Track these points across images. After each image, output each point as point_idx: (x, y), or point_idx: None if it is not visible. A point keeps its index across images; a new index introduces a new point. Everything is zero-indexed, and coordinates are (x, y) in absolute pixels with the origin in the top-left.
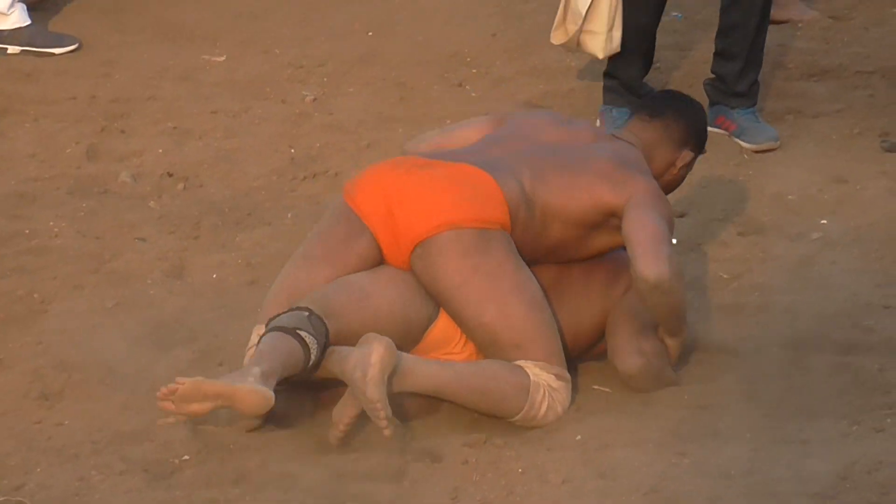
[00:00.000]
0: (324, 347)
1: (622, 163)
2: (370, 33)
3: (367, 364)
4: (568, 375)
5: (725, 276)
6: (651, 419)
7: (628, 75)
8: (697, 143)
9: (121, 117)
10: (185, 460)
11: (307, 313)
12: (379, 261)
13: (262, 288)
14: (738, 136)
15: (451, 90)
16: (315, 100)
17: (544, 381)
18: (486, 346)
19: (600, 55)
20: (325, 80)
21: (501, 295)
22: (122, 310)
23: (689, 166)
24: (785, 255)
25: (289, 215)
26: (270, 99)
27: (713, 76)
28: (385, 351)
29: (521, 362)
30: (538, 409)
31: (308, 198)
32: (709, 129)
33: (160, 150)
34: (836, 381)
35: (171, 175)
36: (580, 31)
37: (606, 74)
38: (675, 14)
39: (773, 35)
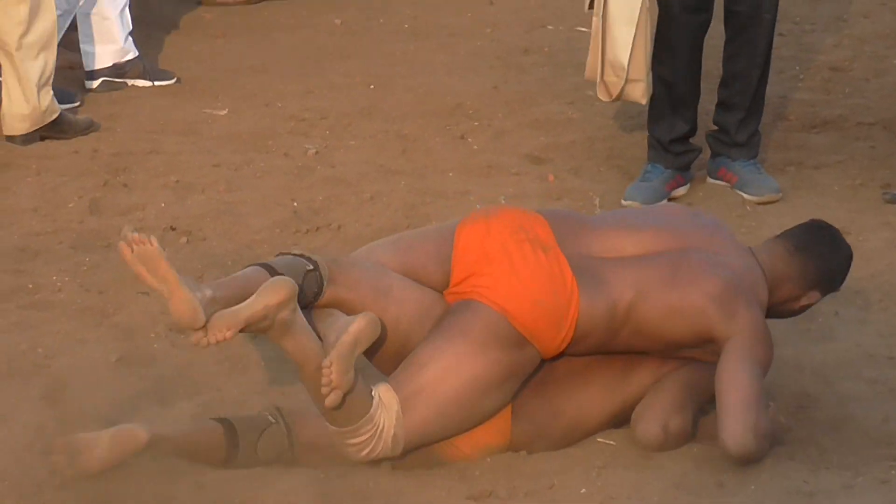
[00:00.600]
0: (303, 305)
1: (738, 289)
2: (371, 86)
3: (344, 330)
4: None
5: None
6: (655, 472)
7: (659, 134)
8: (831, 287)
9: (123, 171)
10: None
11: (311, 267)
12: (439, 290)
13: (264, 341)
14: (740, 189)
15: (453, 142)
16: (317, 153)
17: (385, 422)
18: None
19: (643, 101)
20: (328, 132)
21: (444, 386)
22: (124, 364)
23: (812, 305)
24: None
25: None
26: (272, 152)
27: (715, 127)
28: (368, 327)
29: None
30: (358, 438)
31: (310, 251)
32: (711, 180)
33: (162, 204)
34: (840, 433)
35: (173, 229)
36: (626, 81)
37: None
38: None
39: (773, 86)
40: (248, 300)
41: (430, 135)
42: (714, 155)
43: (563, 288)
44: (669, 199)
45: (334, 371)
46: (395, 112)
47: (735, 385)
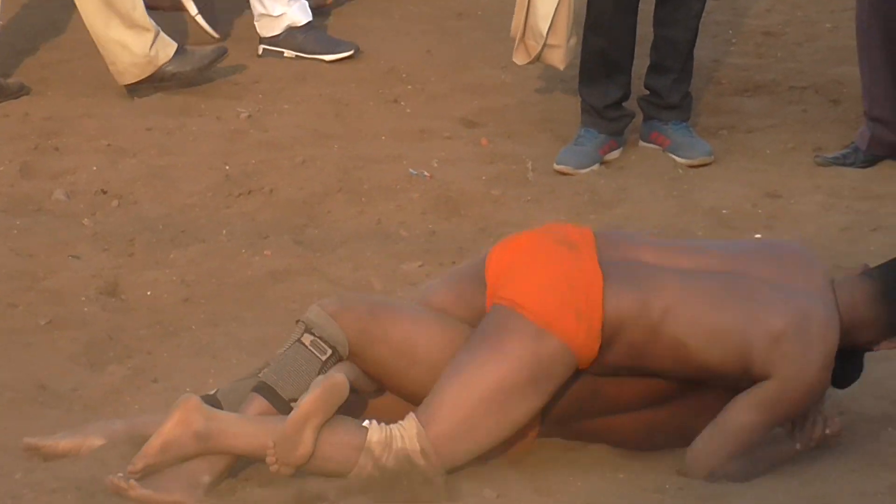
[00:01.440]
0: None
1: (799, 331)
2: None
3: (296, 407)
4: (437, 467)
5: None
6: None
7: (592, 100)
8: None
9: (54, 135)
10: (119, 477)
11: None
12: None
13: (196, 305)
14: (672, 152)
15: (387, 106)
16: (250, 117)
17: (382, 446)
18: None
19: (561, 66)
20: (261, 96)
21: (466, 369)
22: (55, 327)
23: (893, 348)
24: None
25: (224, 232)
26: (205, 116)
27: (647, 91)
28: (323, 395)
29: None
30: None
31: (243, 215)
32: (644, 144)
33: (94, 168)
34: None
35: (105, 192)
36: (543, 46)
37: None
38: None
39: (706, 50)
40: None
41: (364, 99)
42: (646, 118)
43: (581, 276)
44: (602, 164)
45: (277, 453)
46: (328, 76)
47: (732, 421)
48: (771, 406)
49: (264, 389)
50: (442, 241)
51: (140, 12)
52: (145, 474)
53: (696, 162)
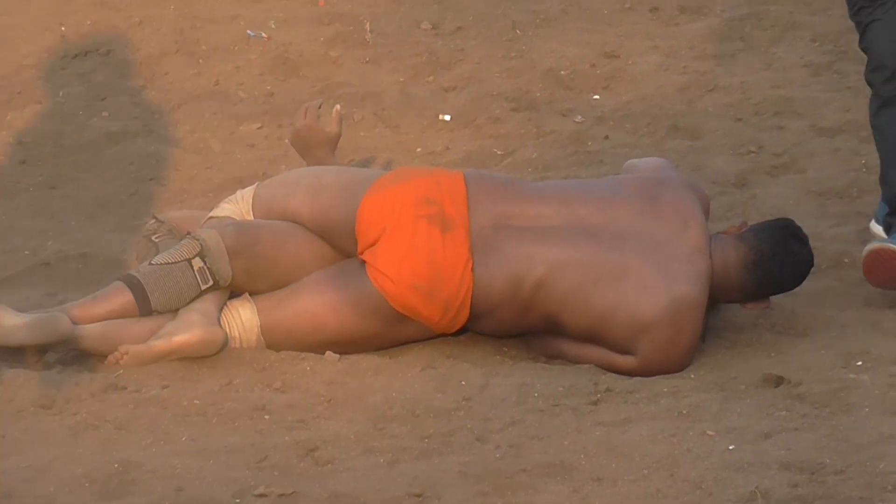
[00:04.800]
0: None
1: (668, 320)
2: None
3: (168, 335)
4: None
5: (500, 152)
6: None
7: None
8: (784, 290)
9: None
10: None
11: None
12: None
13: (33, 167)
14: None
15: None
16: None
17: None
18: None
19: None
20: None
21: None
22: None
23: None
24: (558, 131)
25: (60, 93)
26: None
27: None
28: (195, 344)
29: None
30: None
31: (80, 76)
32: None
33: None
34: None
35: None
36: None
37: None
38: None
39: None
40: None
41: None
42: None
43: (451, 272)
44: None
45: (124, 359)
46: None
47: (596, 360)
48: (631, 372)
49: (137, 288)
50: (280, 102)
51: None
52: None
53: None
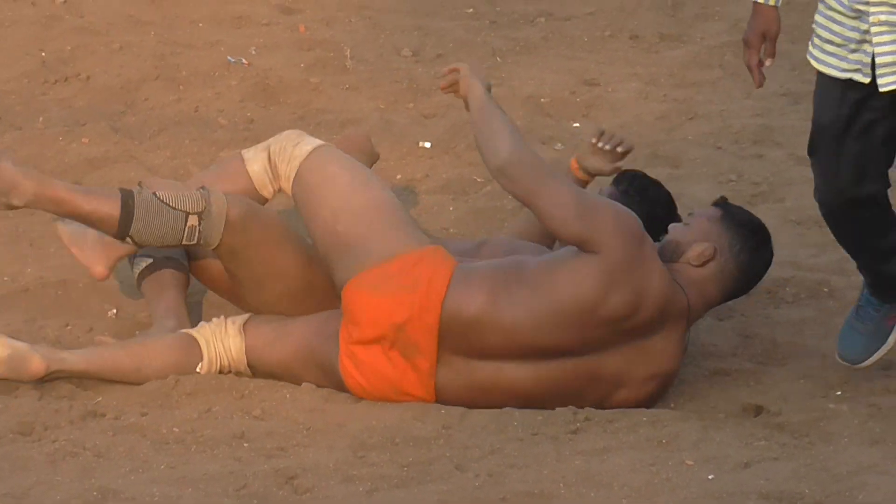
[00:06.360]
0: None
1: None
2: None
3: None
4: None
5: (479, 180)
6: None
7: None
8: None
9: None
10: None
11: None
12: None
13: None
14: None
15: None
16: (65, 2)
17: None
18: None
19: None
20: None
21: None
22: None
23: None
24: None
25: (40, 119)
26: (20, 1)
27: None
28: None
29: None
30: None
31: (59, 101)
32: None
33: None
34: None
35: None
36: None
37: None
38: None
39: None
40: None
41: None
42: None
43: (414, 392)
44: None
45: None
46: None
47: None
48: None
49: (126, 210)
50: (260, 128)
51: None
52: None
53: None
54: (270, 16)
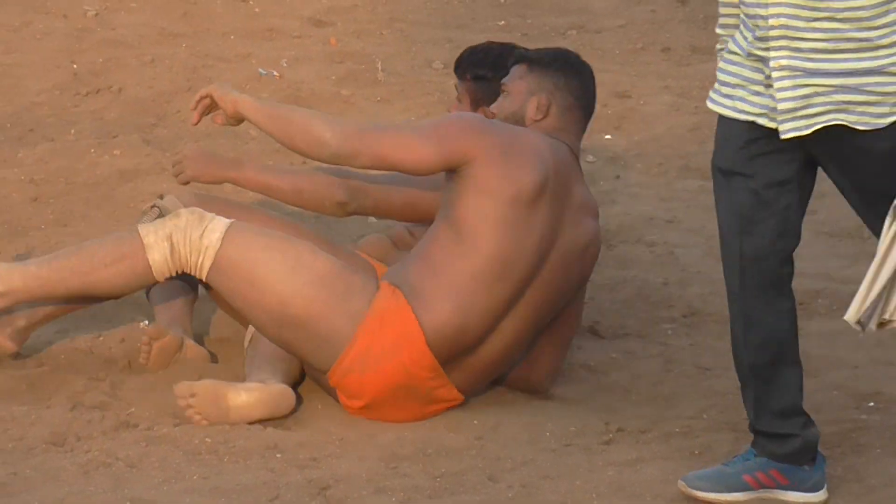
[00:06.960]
0: None
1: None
2: None
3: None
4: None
5: None
6: None
7: None
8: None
9: None
10: None
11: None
12: None
13: (44, 204)
14: None
15: (234, 5)
16: (97, 15)
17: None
18: None
19: None
20: None
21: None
22: None
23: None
24: None
25: (72, 131)
26: (51, 13)
27: None
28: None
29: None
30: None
31: (91, 113)
32: None
33: None
34: (619, 295)
35: None
36: None
37: None
38: None
39: None
40: None
41: None
42: None
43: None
44: None
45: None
46: None
47: None
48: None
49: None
50: None
51: None
52: None
53: None
54: (301, 29)
